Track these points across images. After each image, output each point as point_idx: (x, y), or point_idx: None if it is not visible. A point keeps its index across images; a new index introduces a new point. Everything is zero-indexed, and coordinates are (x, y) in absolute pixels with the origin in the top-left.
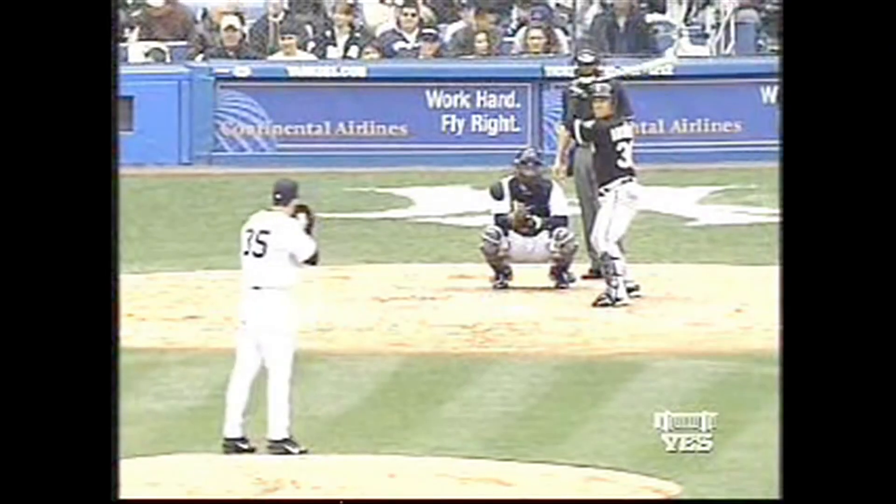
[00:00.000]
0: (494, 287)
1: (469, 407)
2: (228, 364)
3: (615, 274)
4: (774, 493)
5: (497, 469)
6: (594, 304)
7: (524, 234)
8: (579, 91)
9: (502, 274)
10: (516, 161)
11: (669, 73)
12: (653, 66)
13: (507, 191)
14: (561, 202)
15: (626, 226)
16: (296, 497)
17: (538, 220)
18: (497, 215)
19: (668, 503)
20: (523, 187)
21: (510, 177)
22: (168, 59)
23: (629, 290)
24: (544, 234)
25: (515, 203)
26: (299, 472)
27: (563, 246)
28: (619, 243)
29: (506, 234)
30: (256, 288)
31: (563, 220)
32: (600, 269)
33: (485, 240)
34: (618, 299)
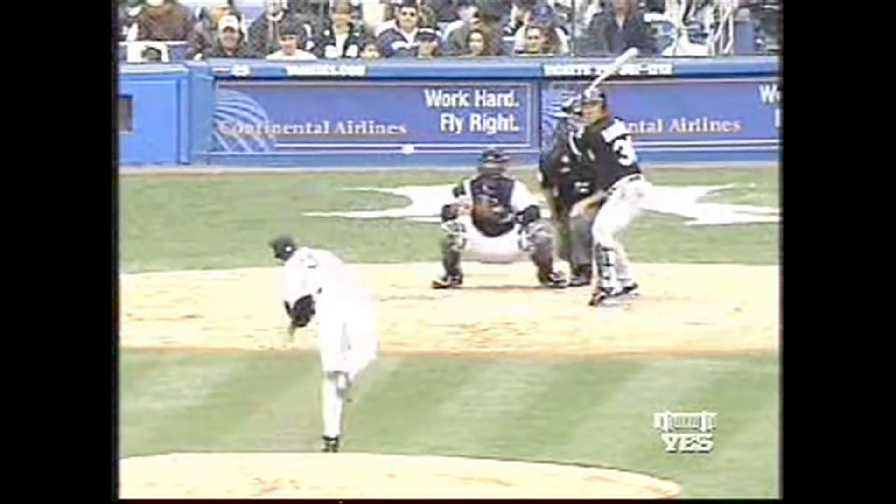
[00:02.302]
0: (436, 287)
1: (468, 406)
2: (227, 363)
3: (606, 264)
4: (774, 493)
5: (497, 469)
6: (591, 303)
7: (490, 232)
8: (565, 115)
9: (451, 276)
10: (480, 157)
11: (635, 62)
12: (618, 65)
13: (468, 190)
14: (524, 197)
15: (625, 222)
16: (295, 497)
17: (506, 213)
18: (444, 206)
19: (668, 503)
20: (485, 186)
21: (472, 177)
22: (164, 59)
23: (628, 289)
24: (512, 232)
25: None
26: (299, 471)
27: (533, 237)
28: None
29: (464, 230)
30: None
31: (534, 211)
32: (580, 269)
33: (443, 230)
34: (611, 289)
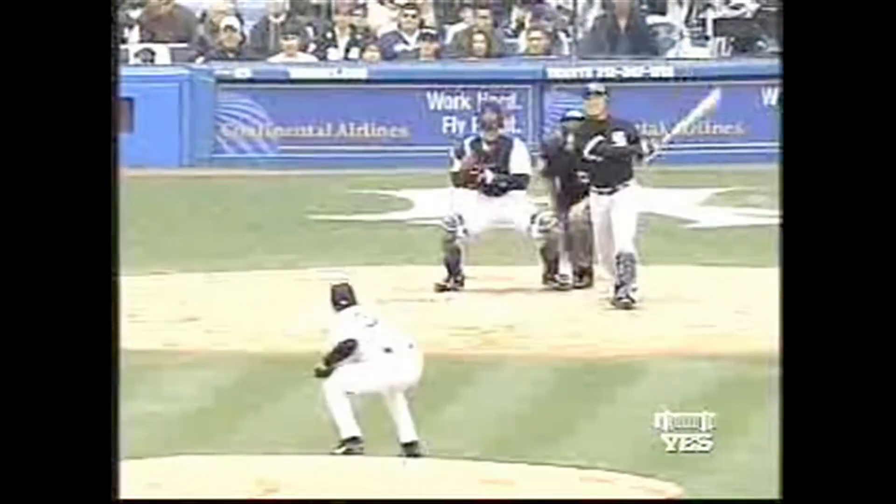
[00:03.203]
0: (439, 289)
1: (469, 408)
2: (228, 366)
3: (633, 275)
4: (774, 494)
5: (497, 470)
6: (613, 304)
7: (494, 192)
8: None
9: (453, 277)
10: (478, 111)
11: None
12: (695, 118)
13: (468, 149)
14: (520, 160)
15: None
16: (296, 497)
17: (489, 175)
18: (451, 173)
19: (668, 503)
20: (485, 145)
21: (473, 137)
22: (164, 61)
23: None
24: (508, 200)
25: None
26: (299, 472)
27: (547, 230)
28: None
29: (461, 221)
30: None
31: (522, 179)
32: (582, 271)
33: (442, 225)
34: (632, 300)
